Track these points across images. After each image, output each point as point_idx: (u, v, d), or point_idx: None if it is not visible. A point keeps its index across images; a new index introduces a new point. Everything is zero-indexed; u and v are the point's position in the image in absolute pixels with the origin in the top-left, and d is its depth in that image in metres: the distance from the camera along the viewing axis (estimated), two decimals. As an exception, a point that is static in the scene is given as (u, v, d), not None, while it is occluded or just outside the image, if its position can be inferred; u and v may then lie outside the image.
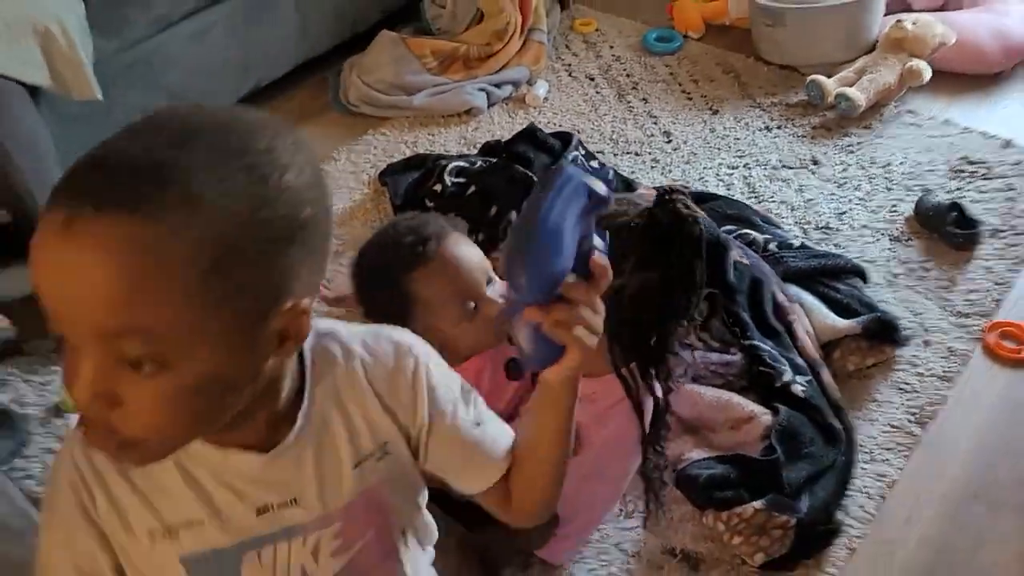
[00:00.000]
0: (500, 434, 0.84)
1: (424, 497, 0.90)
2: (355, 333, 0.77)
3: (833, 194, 2.18)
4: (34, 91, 1.94)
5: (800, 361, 1.68)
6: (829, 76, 2.44)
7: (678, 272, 1.20)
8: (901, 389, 1.74)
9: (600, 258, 0.68)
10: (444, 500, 1.50)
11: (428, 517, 0.93)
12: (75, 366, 0.59)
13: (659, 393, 1.32)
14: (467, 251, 1.34)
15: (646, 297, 1.22)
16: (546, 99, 2.54)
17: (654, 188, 2.07)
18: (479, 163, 2.11)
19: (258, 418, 0.69)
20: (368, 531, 0.78)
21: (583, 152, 2.18)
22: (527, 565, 1.50)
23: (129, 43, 2.16)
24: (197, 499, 0.69)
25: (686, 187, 2.13)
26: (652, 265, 1.19)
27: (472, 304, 1.32)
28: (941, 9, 2.70)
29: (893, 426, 1.67)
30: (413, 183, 2.13)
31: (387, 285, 1.29)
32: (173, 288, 0.56)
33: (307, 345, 0.73)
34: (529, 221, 0.65)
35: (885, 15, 2.56)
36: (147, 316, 0.56)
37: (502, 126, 2.43)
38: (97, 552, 0.71)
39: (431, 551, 0.98)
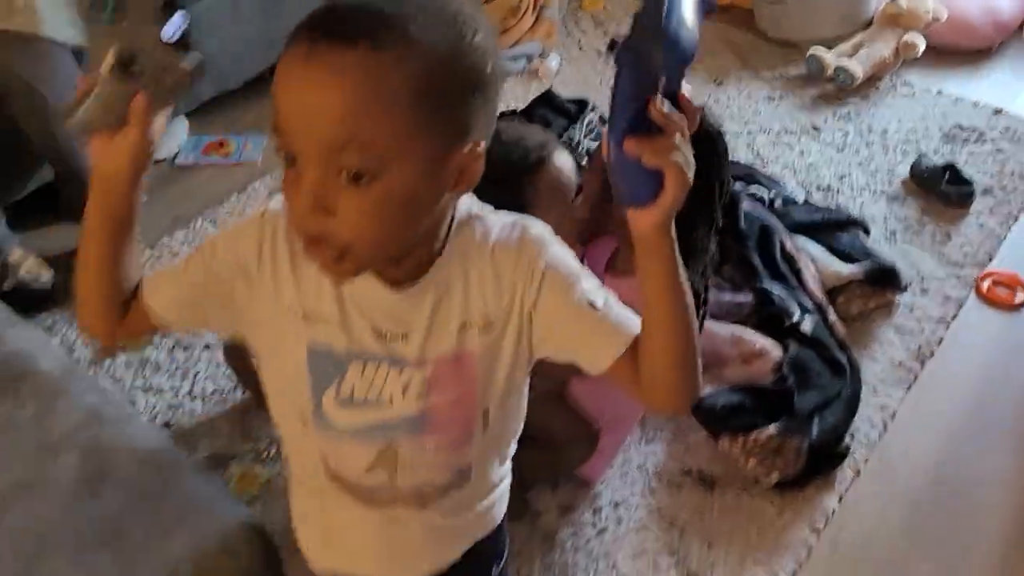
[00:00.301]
0: (624, 312, 0.85)
1: (521, 401, 0.94)
2: (497, 219, 0.85)
3: (833, 158, 2.30)
4: (79, 54, 2.03)
5: (807, 302, 1.80)
6: (828, 50, 2.56)
7: (704, 168, 1.30)
8: (901, 331, 1.86)
9: (689, 93, 0.71)
10: None
11: (516, 424, 0.96)
12: (299, 180, 0.71)
13: (699, 288, 1.42)
14: (567, 159, 1.44)
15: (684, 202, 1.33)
16: (558, 71, 2.66)
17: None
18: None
19: (413, 256, 0.80)
20: (451, 392, 0.87)
21: (598, 116, 2.29)
22: (555, 485, 1.60)
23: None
24: (336, 303, 0.81)
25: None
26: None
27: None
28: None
29: (894, 363, 1.80)
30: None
31: (509, 183, 1.33)
32: (389, 109, 0.68)
33: (458, 215, 0.82)
34: (645, 26, 0.68)
35: (881, -6, 2.69)
36: (367, 130, 0.68)
37: (517, 96, 2.53)
38: (230, 290, 0.82)
39: (506, 468, 1.02)
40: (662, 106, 0.69)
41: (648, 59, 0.69)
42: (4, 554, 0.97)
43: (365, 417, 0.85)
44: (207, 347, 1.89)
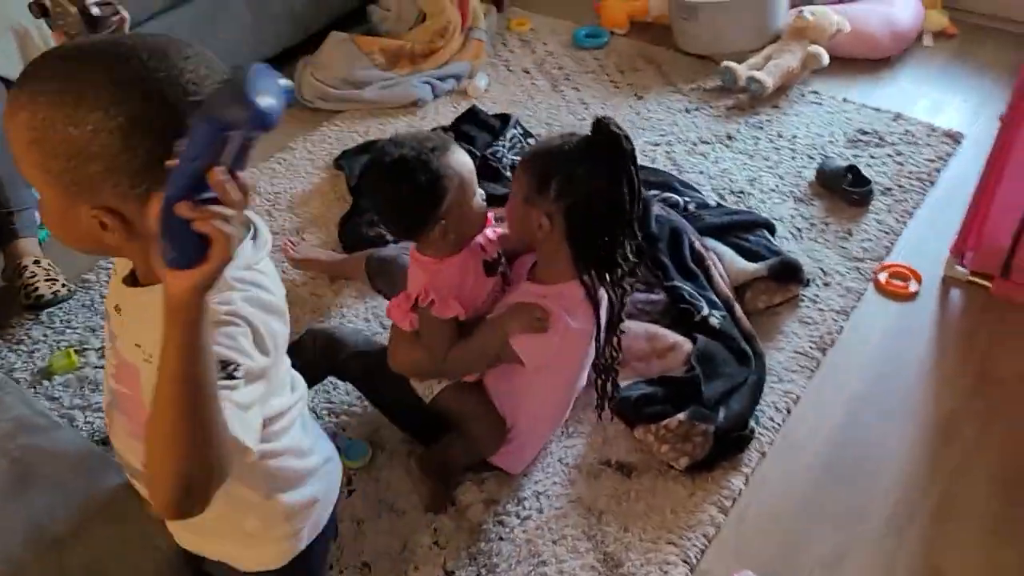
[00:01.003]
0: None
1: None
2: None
3: (745, 164, 2.44)
4: (10, 85, 2.09)
5: (715, 298, 1.92)
6: (740, 63, 2.71)
7: (619, 181, 1.41)
8: (805, 322, 1.98)
9: (245, 178, 0.74)
10: (404, 419, 1.70)
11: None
12: None
13: (615, 296, 1.51)
14: (462, 154, 1.51)
15: (596, 207, 1.42)
16: (486, 90, 2.77)
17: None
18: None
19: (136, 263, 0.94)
20: (127, 387, 0.98)
21: (520, 131, 2.41)
22: (481, 480, 1.69)
23: (96, 42, 2.32)
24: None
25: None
26: (595, 178, 1.40)
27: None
28: (840, 2, 3.00)
29: (798, 352, 1.92)
30: (366, 164, 2.32)
31: (427, 169, 1.42)
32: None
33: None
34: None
35: (791, 8, 2.84)
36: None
37: (446, 115, 2.64)
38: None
39: (239, 519, 1.09)
40: (222, 176, 0.71)
41: (223, 122, 0.69)
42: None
43: (107, 380, 1.02)
44: (145, 363, 1.95)
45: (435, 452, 1.67)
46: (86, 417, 1.84)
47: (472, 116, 2.39)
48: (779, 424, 1.79)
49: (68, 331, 2.04)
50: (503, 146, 2.32)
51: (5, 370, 1.95)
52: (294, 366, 1.67)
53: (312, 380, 1.74)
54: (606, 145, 1.40)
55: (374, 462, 1.74)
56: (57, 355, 1.97)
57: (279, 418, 1.07)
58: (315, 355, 1.69)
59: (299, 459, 1.13)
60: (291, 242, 2.17)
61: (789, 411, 1.81)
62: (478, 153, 2.22)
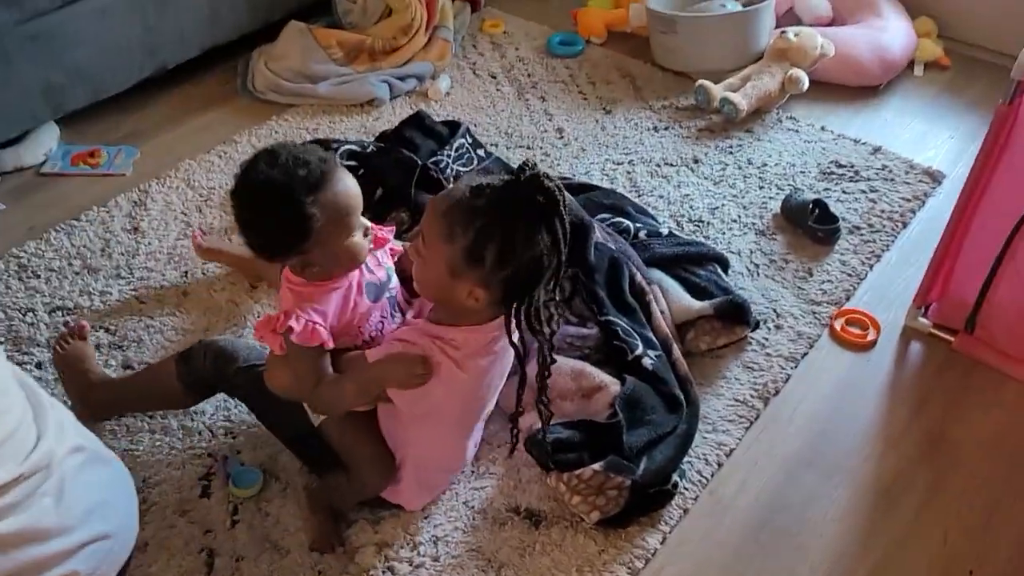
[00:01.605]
0: None
1: None
2: None
3: (709, 191, 2.30)
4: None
5: (652, 337, 1.78)
6: (717, 82, 2.57)
7: (557, 239, 1.27)
8: (749, 368, 1.84)
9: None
10: (296, 444, 1.57)
11: None
12: None
13: (544, 341, 1.37)
14: (351, 180, 1.36)
15: (538, 265, 1.28)
16: (448, 94, 2.63)
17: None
18: (370, 147, 2.19)
19: None
20: None
21: (470, 140, 2.27)
22: (377, 520, 1.56)
23: (29, 15, 2.19)
24: None
25: (566, 177, 2.24)
26: (536, 243, 1.25)
27: (357, 224, 1.36)
28: (829, 24, 2.85)
29: (737, 400, 1.78)
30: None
31: (291, 204, 1.29)
32: None
33: None
34: None
35: (777, 27, 2.70)
36: None
37: (402, 117, 2.49)
38: None
39: None
40: None
41: None
42: None
43: None
44: (39, 366, 1.82)
45: (323, 486, 1.54)
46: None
47: (418, 121, 2.26)
48: (707, 479, 1.65)
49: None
50: (448, 155, 2.18)
51: None
52: (186, 378, 1.55)
53: (201, 395, 1.63)
54: (540, 202, 1.25)
55: (265, 492, 1.61)
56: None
57: None
58: (204, 368, 1.56)
59: (42, 543, 1.01)
60: (201, 231, 2.03)
61: (720, 465, 1.67)
62: (419, 162, 2.08)
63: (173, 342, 1.87)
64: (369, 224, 1.39)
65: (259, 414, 1.60)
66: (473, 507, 1.59)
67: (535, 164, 1.28)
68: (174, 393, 1.59)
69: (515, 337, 1.35)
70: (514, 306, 1.32)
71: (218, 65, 2.72)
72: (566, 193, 1.29)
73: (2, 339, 1.88)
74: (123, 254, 2.09)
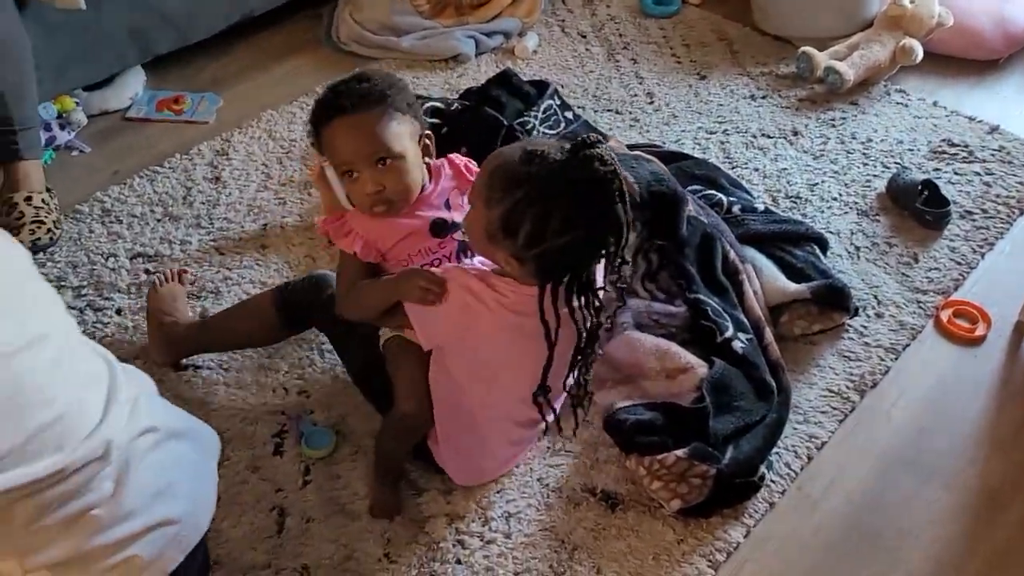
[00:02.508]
0: None
1: None
2: None
3: (808, 165, 2.17)
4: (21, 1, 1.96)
5: (743, 319, 1.68)
6: (821, 50, 2.42)
7: (604, 226, 1.22)
8: (845, 357, 1.74)
9: None
10: (365, 377, 1.57)
11: None
12: None
13: (586, 324, 1.33)
14: (360, 128, 1.36)
15: (576, 250, 1.24)
16: (535, 52, 2.54)
17: (618, 141, 2.08)
18: (455, 105, 2.12)
19: None
20: None
21: (558, 102, 2.18)
22: (449, 491, 1.52)
23: (119, -43, 2.17)
24: None
25: (656, 144, 2.13)
26: (574, 227, 1.20)
27: (349, 171, 1.39)
28: (947, -7, 2.66)
29: (831, 391, 1.68)
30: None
31: (314, 126, 1.42)
32: None
33: None
34: None
35: (888, -7, 2.53)
36: None
37: (488, 75, 2.40)
38: None
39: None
40: None
41: None
42: None
43: None
44: (119, 312, 1.82)
45: (378, 439, 1.51)
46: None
47: (505, 80, 2.17)
48: (795, 472, 1.56)
49: (49, 264, 1.92)
50: (534, 117, 2.09)
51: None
52: (282, 302, 1.58)
53: (291, 324, 1.64)
54: (588, 186, 1.18)
55: (336, 454, 1.58)
56: (31, 290, 1.85)
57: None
58: (300, 290, 1.60)
59: (103, 531, 0.99)
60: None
61: (810, 458, 1.58)
62: (505, 122, 2.00)
63: (250, 294, 1.85)
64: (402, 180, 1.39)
65: (337, 344, 1.62)
66: (547, 485, 1.54)
67: (597, 141, 1.20)
68: (266, 320, 1.61)
69: (548, 312, 1.29)
70: (551, 284, 1.26)
71: (303, 14, 2.67)
72: (656, 161, 1.22)
73: (85, 283, 1.88)
74: (204, 203, 2.07)
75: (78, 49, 2.17)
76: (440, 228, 1.43)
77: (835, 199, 2.08)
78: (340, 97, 1.37)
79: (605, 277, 1.35)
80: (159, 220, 2.03)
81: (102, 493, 0.99)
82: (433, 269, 1.36)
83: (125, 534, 1.01)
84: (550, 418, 1.44)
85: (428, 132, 1.46)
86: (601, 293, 1.34)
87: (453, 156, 1.50)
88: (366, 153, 1.36)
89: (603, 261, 1.30)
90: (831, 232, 1.97)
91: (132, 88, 2.37)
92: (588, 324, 1.33)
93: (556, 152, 1.23)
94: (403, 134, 1.38)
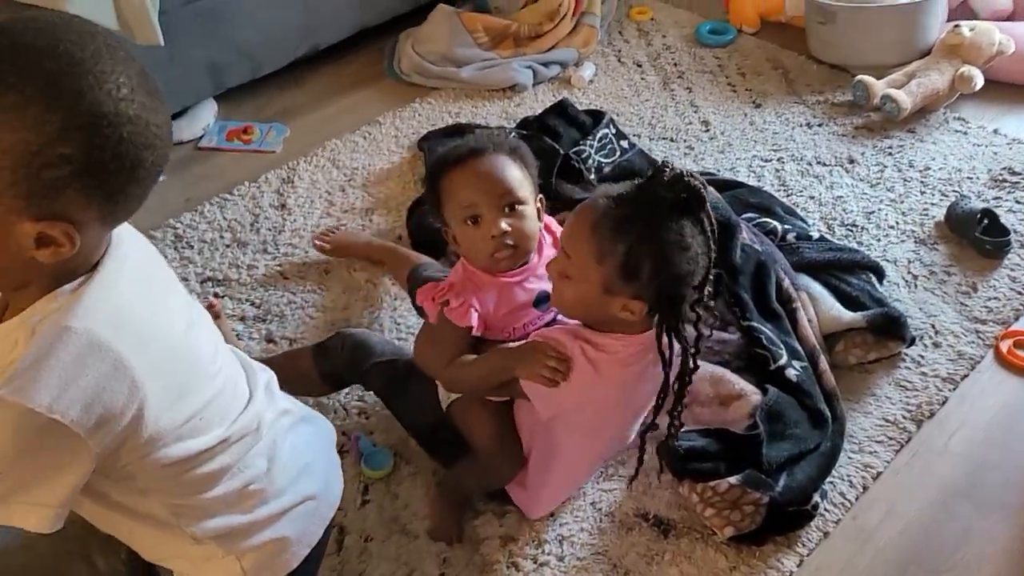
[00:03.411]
0: None
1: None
2: (56, 333, 0.86)
3: (865, 193, 2.17)
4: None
5: (798, 346, 1.69)
6: (879, 78, 2.41)
7: (708, 242, 1.23)
8: (902, 386, 1.73)
9: None
10: (423, 435, 1.58)
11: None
12: None
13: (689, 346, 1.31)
14: (492, 171, 1.35)
15: (691, 268, 1.23)
16: (591, 81, 2.58)
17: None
18: (512, 134, 2.17)
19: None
20: None
21: (613, 131, 2.22)
22: (503, 513, 1.55)
23: (197, -6, 2.28)
24: None
25: (710, 173, 2.16)
26: (688, 247, 1.21)
27: (474, 216, 1.36)
28: (1009, 18, 2.64)
29: (887, 420, 1.67)
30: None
31: (431, 175, 1.41)
32: None
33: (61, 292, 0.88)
34: None
35: (948, 20, 2.51)
36: None
37: (545, 104, 2.46)
38: None
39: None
40: None
41: None
42: None
43: None
44: None
45: (450, 475, 1.55)
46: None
47: (561, 110, 2.22)
48: (850, 502, 1.56)
49: (125, 288, 2.01)
50: (590, 145, 2.13)
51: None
52: (322, 368, 1.58)
53: (335, 386, 1.66)
54: (687, 202, 1.20)
55: (395, 474, 1.62)
56: (109, 312, 1.94)
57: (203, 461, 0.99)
58: (341, 360, 1.60)
59: (256, 507, 1.05)
60: (324, 235, 2.05)
61: (865, 488, 1.58)
62: (561, 151, 2.05)
63: (313, 318, 1.92)
64: (525, 227, 1.37)
65: (392, 406, 1.61)
66: (600, 509, 1.56)
67: (670, 164, 1.22)
68: (310, 380, 1.62)
69: (663, 344, 1.29)
70: (661, 313, 1.27)
71: (367, 46, 2.76)
72: (711, 189, 1.24)
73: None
74: (270, 229, 2.15)
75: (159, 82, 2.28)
76: (543, 301, 1.41)
77: (892, 227, 2.07)
78: (472, 142, 1.37)
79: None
80: (228, 246, 2.12)
81: (258, 469, 1.05)
82: (537, 336, 1.34)
83: (276, 510, 1.08)
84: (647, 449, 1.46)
85: (541, 196, 1.44)
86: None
87: (548, 220, 1.47)
88: (496, 194, 1.34)
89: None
90: (888, 261, 1.97)
91: (204, 118, 2.47)
92: (694, 343, 1.31)
93: (636, 186, 1.24)
94: (528, 185, 1.38)
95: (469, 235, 1.36)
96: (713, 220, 1.24)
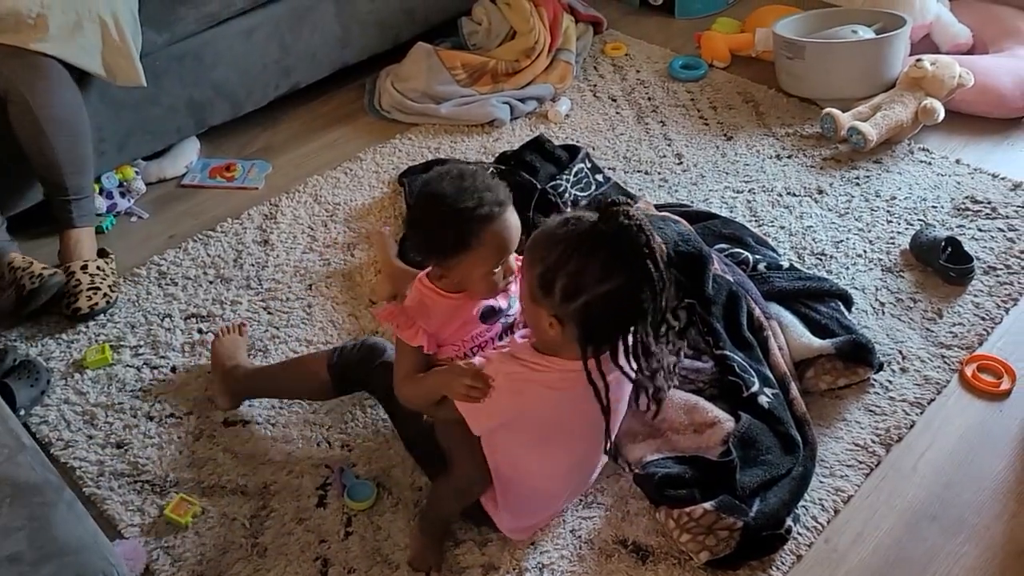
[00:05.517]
0: None
1: None
2: None
3: (833, 223, 2.23)
4: (85, 76, 2.11)
5: (769, 374, 1.74)
6: (846, 110, 2.49)
7: (636, 278, 1.27)
8: (871, 411, 1.78)
9: None
10: (415, 442, 1.63)
11: None
12: None
13: (651, 384, 1.39)
14: (516, 224, 1.43)
15: (612, 304, 1.29)
16: (567, 116, 2.65)
17: (647, 202, 2.16)
18: (490, 169, 2.22)
19: None
20: None
21: (589, 165, 2.27)
22: (485, 542, 1.58)
23: (179, 37, 2.33)
24: None
25: (684, 204, 2.21)
26: (605, 280, 1.26)
27: (501, 263, 1.43)
28: (968, 52, 2.73)
29: (857, 445, 1.72)
30: (437, 171, 2.23)
31: (458, 227, 1.38)
32: None
33: None
34: None
35: (912, 55, 2.60)
36: None
37: (522, 138, 2.52)
38: None
39: None
40: None
41: None
42: None
43: None
44: (174, 370, 1.93)
45: (430, 500, 1.58)
46: (106, 416, 1.83)
47: (538, 145, 2.28)
48: (822, 525, 1.60)
49: (109, 325, 2.04)
50: (566, 180, 2.19)
51: (45, 358, 1.97)
52: (335, 366, 1.67)
53: (343, 387, 1.71)
54: (616, 239, 1.26)
55: (378, 506, 1.65)
56: (92, 349, 1.97)
57: None
58: (353, 356, 1.67)
59: None
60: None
61: (836, 511, 1.62)
62: (539, 186, 2.11)
63: (296, 352, 1.95)
64: (515, 267, 1.44)
65: (390, 411, 1.68)
66: (580, 536, 1.59)
67: (623, 201, 1.28)
68: (319, 381, 1.69)
69: (594, 376, 1.34)
70: (594, 346, 1.32)
71: (346, 84, 2.82)
72: (682, 222, 1.29)
73: (142, 342, 2.00)
74: (253, 265, 2.19)
75: (140, 122, 2.33)
76: (489, 315, 1.50)
77: (860, 256, 2.13)
78: (495, 192, 1.40)
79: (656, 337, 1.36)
80: (211, 282, 2.15)
81: None
82: (475, 359, 1.41)
83: None
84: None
85: None
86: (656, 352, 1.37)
87: None
88: (516, 245, 1.43)
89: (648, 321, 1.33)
90: (856, 288, 2.03)
91: (187, 156, 2.52)
92: (649, 377, 1.37)
93: (591, 216, 1.31)
94: None
95: (484, 276, 1.42)
96: (652, 265, 1.27)
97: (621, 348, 1.34)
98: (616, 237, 1.25)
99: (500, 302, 1.50)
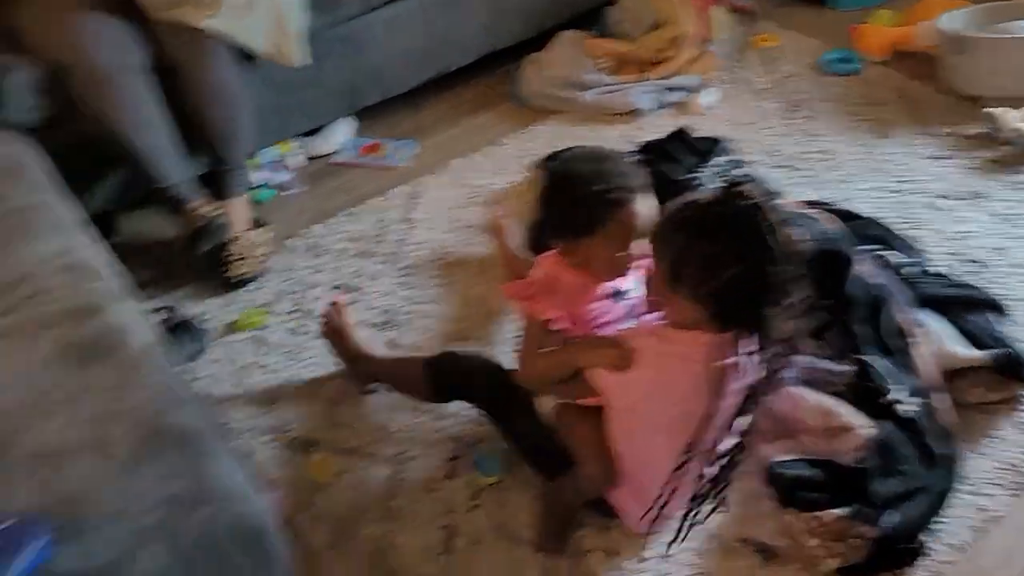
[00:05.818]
0: None
1: None
2: None
3: (991, 230, 2.11)
4: (251, 57, 2.23)
5: (913, 382, 1.67)
6: (1013, 109, 2.34)
7: (759, 259, 1.24)
8: (1022, 429, 1.68)
9: None
10: (528, 447, 1.63)
11: None
12: None
13: (760, 371, 1.34)
14: (650, 209, 1.43)
15: (744, 284, 1.26)
16: (712, 107, 2.61)
17: (796, 201, 2.11)
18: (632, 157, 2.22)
19: None
20: None
21: (730, 158, 2.23)
22: (608, 527, 1.60)
23: (341, 19, 2.43)
24: None
25: (826, 203, 2.14)
26: (731, 263, 1.24)
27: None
28: None
29: (1006, 464, 1.63)
30: (572, 154, 2.24)
31: (592, 208, 1.40)
32: None
33: None
34: None
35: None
36: None
37: (663, 129, 2.49)
38: None
39: None
40: None
41: None
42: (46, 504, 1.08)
43: None
44: (318, 337, 2.03)
45: (557, 486, 1.60)
46: (257, 377, 1.95)
47: (680, 137, 2.26)
48: (966, 544, 1.52)
49: (262, 290, 2.17)
50: (707, 171, 2.16)
51: (201, 319, 2.11)
52: (431, 379, 1.69)
53: (442, 397, 1.75)
54: (733, 217, 1.24)
55: (505, 481, 1.69)
56: (248, 312, 2.10)
57: None
58: (447, 371, 1.69)
59: None
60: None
61: (981, 531, 1.54)
62: (671, 177, 2.09)
63: (432, 330, 2.02)
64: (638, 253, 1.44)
65: (495, 418, 1.68)
66: (704, 530, 1.58)
67: (743, 182, 1.26)
68: (420, 388, 1.73)
69: (735, 358, 1.33)
70: (738, 327, 1.32)
71: (492, 70, 2.87)
72: (772, 211, 1.24)
73: (290, 309, 2.11)
74: (395, 241, 2.27)
75: (301, 101, 2.45)
76: (620, 294, 1.52)
77: (1020, 265, 2.01)
78: (630, 177, 1.42)
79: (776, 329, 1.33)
80: (354, 256, 2.25)
81: None
82: (611, 332, 1.43)
83: None
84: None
85: None
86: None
87: None
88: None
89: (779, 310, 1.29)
90: (1013, 299, 1.91)
91: (340, 135, 2.63)
92: (775, 364, 1.34)
93: (708, 196, 1.30)
94: None
95: (610, 257, 1.44)
96: (771, 240, 1.23)
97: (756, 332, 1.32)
98: (734, 218, 1.24)
99: (623, 284, 1.52)
